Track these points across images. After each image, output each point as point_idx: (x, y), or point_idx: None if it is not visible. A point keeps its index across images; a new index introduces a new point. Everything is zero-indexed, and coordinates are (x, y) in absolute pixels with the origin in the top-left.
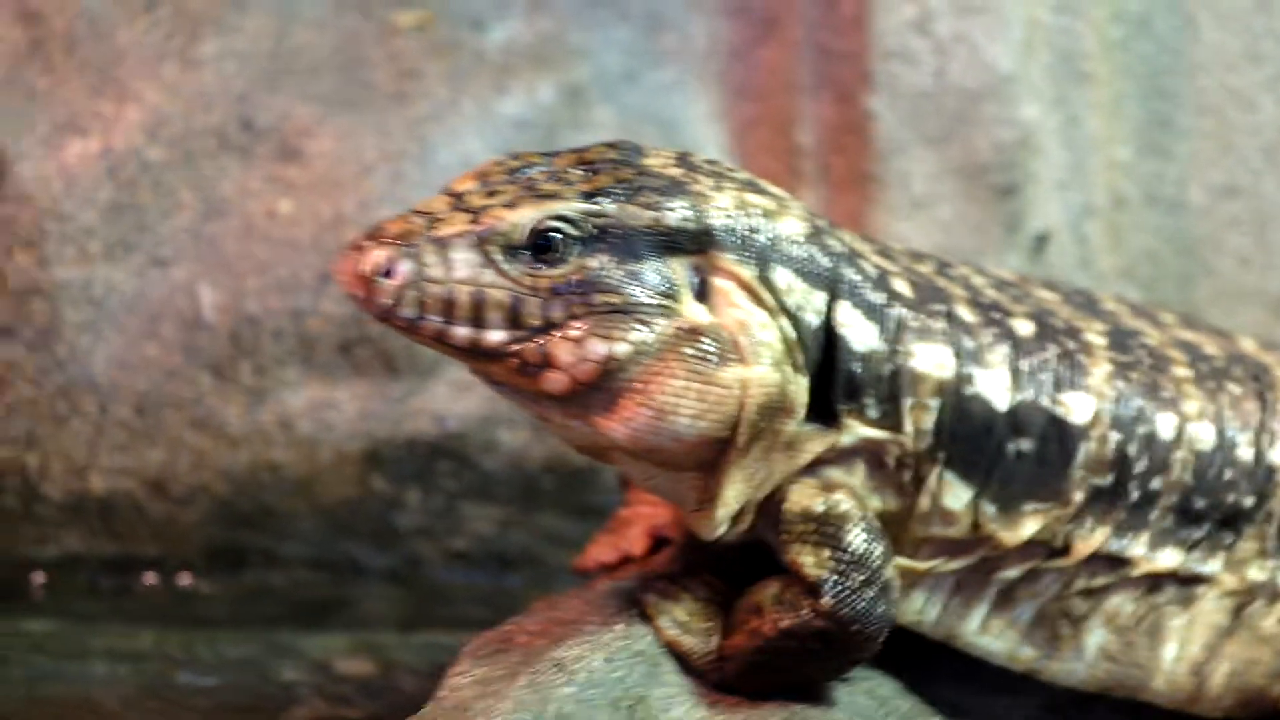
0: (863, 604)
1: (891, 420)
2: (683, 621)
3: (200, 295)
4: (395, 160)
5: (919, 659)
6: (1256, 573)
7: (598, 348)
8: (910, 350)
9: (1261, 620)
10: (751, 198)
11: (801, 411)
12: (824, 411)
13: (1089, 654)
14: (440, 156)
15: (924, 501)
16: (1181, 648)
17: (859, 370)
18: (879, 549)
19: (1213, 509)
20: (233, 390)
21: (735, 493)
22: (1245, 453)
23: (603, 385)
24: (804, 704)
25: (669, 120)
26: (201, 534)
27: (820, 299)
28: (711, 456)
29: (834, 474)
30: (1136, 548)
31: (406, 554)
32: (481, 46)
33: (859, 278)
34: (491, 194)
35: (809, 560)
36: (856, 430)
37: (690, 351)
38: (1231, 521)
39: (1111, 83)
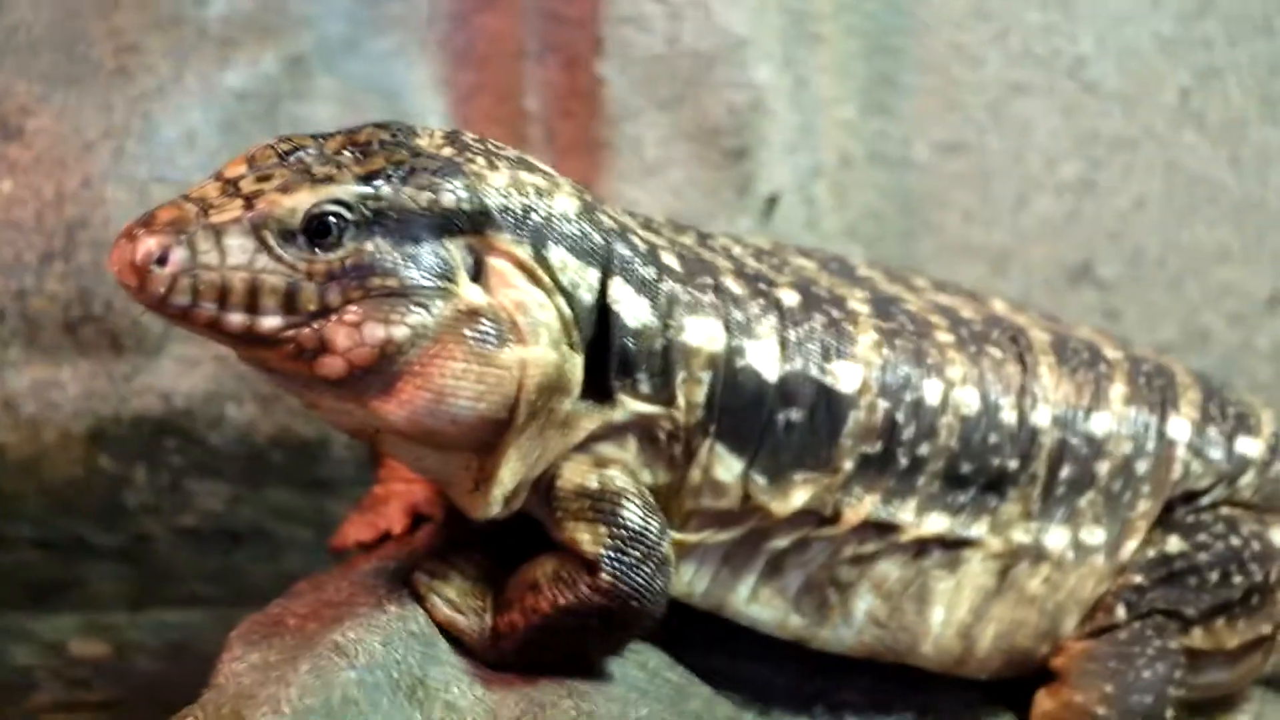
0: (641, 579)
1: (664, 395)
2: (454, 601)
3: None
4: (118, 136)
5: (684, 628)
6: (1021, 535)
7: (375, 331)
8: (682, 324)
9: (1027, 581)
10: (525, 176)
11: (578, 390)
12: (598, 388)
13: (857, 620)
14: (164, 132)
15: (695, 474)
16: (949, 611)
17: (632, 346)
18: (655, 523)
19: (979, 473)
20: None
21: (511, 472)
22: (1009, 416)
23: (380, 369)
24: (580, 679)
25: (391, 89)
26: None
27: (594, 276)
28: (488, 437)
29: (607, 449)
30: (905, 514)
31: (134, 532)
32: (203, 19)
33: (630, 253)
34: (264, 178)
35: (586, 537)
36: (630, 406)
37: (469, 333)
38: (996, 485)
39: (840, 43)
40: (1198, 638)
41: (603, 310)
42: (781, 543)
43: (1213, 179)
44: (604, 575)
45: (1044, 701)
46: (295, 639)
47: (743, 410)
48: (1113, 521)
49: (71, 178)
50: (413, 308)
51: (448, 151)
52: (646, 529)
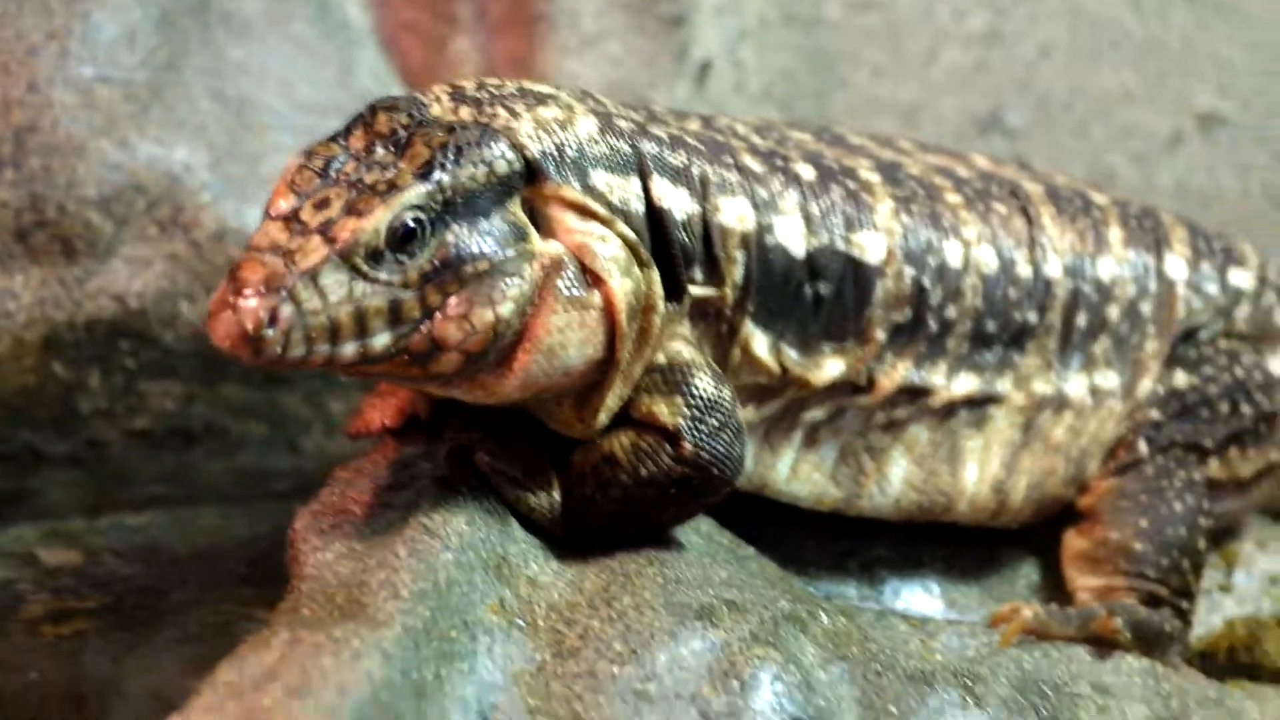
0: (721, 446)
1: (715, 277)
2: (520, 479)
3: None
4: (60, 39)
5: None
6: (1042, 385)
7: (484, 316)
8: (717, 205)
9: (1051, 430)
10: (543, 113)
11: (662, 303)
12: (671, 288)
13: (893, 487)
14: (105, 32)
15: (735, 352)
16: (981, 469)
17: (685, 238)
18: (727, 392)
19: (1002, 330)
20: None
21: (617, 396)
22: (1024, 270)
23: (492, 349)
24: (655, 549)
25: None
26: None
27: (636, 184)
28: (595, 376)
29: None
30: (936, 377)
31: (88, 437)
32: None
33: (657, 148)
34: (322, 204)
35: (663, 409)
36: (692, 293)
37: (560, 285)
38: (1018, 339)
39: None
40: (1214, 468)
41: (653, 213)
42: (818, 414)
43: (1116, 22)
44: (686, 444)
45: (1076, 541)
46: (373, 525)
47: (774, 286)
48: (1124, 364)
49: (16, 84)
50: (508, 281)
51: (465, 113)
52: (720, 396)
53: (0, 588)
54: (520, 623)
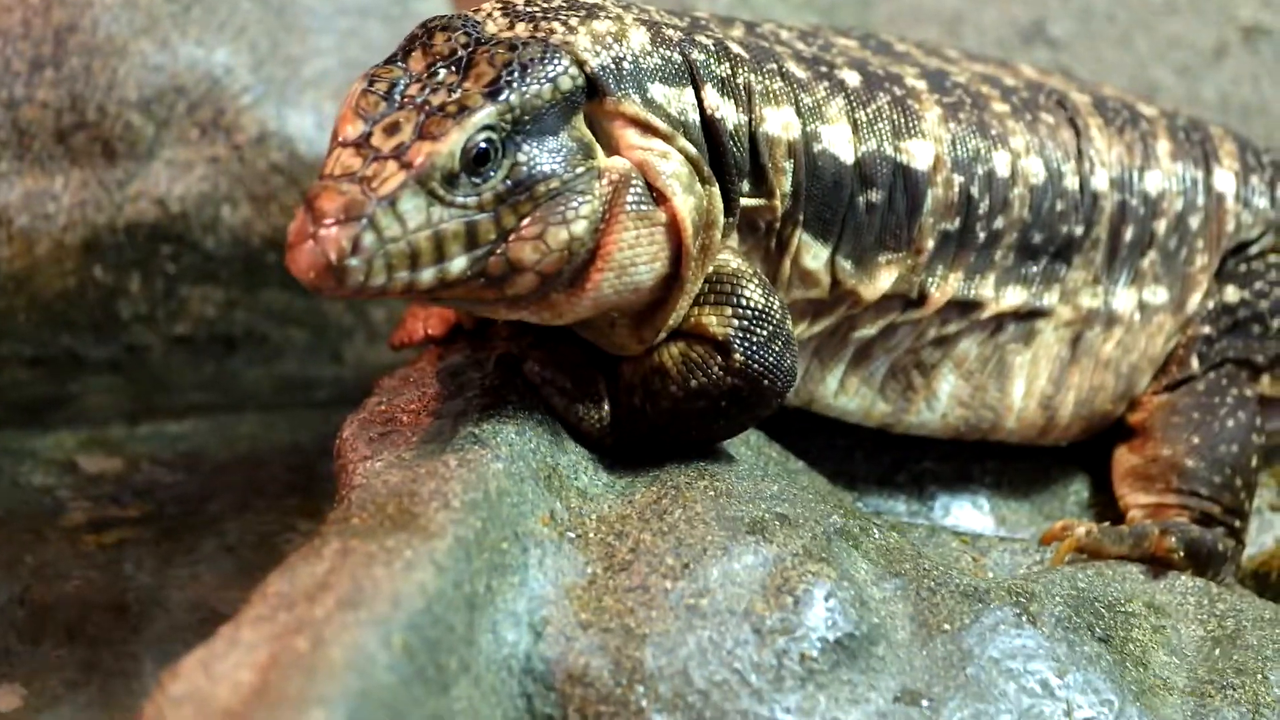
0: (772, 357)
1: (764, 188)
2: (570, 390)
3: None
4: None
5: None
6: (1089, 300)
7: (559, 235)
8: (763, 115)
9: (1100, 346)
10: (597, 26)
11: (722, 217)
12: (727, 200)
13: (941, 402)
14: None
15: (786, 266)
16: (1029, 384)
17: (734, 148)
18: (776, 302)
19: (1049, 242)
20: None
21: (679, 313)
22: (1071, 182)
23: (566, 268)
24: (706, 461)
25: None
26: None
27: (690, 95)
28: (661, 294)
29: None
30: (985, 289)
31: (128, 342)
32: None
33: (705, 56)
34: (392, 128)
35: (712, 319)
36: (742, 204)
37: (629, 200)
38: (1064, 252)
39: None
40: (1267, 384)
41: (707, 123)
42: (869, 330)
43: None
44: (736, 355)
45: (1127, 458)
46: (421, 433)
47: (824, 195)
48: (1174, 278)
49: None
50: (579, 198)
51: (521, 29)
52: (770, 307)
53: (41, 495)
54: (571, 535)
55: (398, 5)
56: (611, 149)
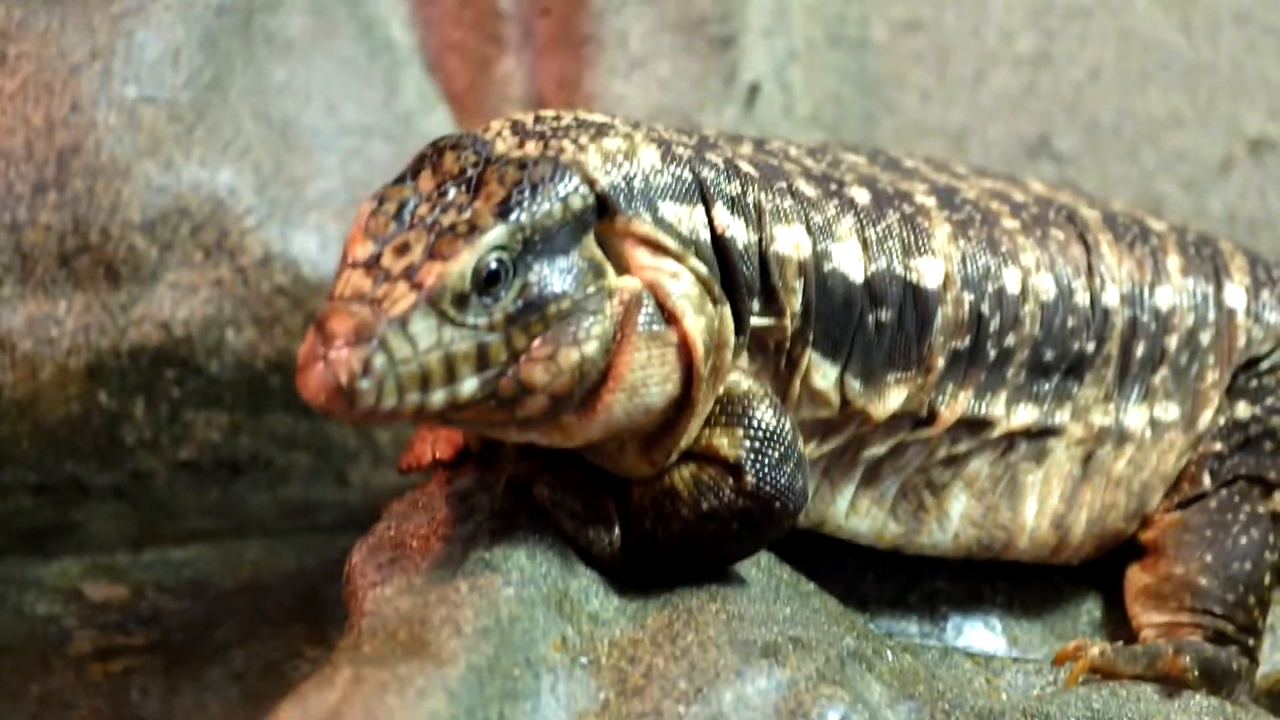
0: (784, 479)
1: (775, 307)
2: (580, 513)
3: None
4: (103, 57)
5: None
6: (1101, 417)
7: (570, 356)
8: (773, 234)
9: (1112, 464)
10: (607, 144)
11: (733, 337)
12: (738, 320)
13: (953, 522)
14: (148, 51)
15: (796, 384)
16: (1041, 503)
17: (745, 268)
18: (788, 423)
19: (1060, 359)
20: None
21: (690, 435)
22: (1082, 298)
23: (577, 390)
24: (717, 584)
25: None
26: None
27: (700, 214)
28: (672, 416)
29: None
30: (996, 408)
31: (132, 469)
32: None
33: (714, 174)
34: (402, 249)
35: (724, 441)
36: (753, 324)
37: (640, 320)
38: (1075, 369)
39: None
40: (1278, 501)
41: (717, 242)
42: (879, 449)
43: (1165, 44)
44: (748, 477)
45: (1139, 577)
46: (432, 559)
47: (834, 314)
48: (1185, 395)
49: (60, 103)
50: (591, 318)
51: (532, 147)
52: (781, 428)
53: (46, 623)
54: (583, 660)
55: (401, 124)
56: (622, 268)
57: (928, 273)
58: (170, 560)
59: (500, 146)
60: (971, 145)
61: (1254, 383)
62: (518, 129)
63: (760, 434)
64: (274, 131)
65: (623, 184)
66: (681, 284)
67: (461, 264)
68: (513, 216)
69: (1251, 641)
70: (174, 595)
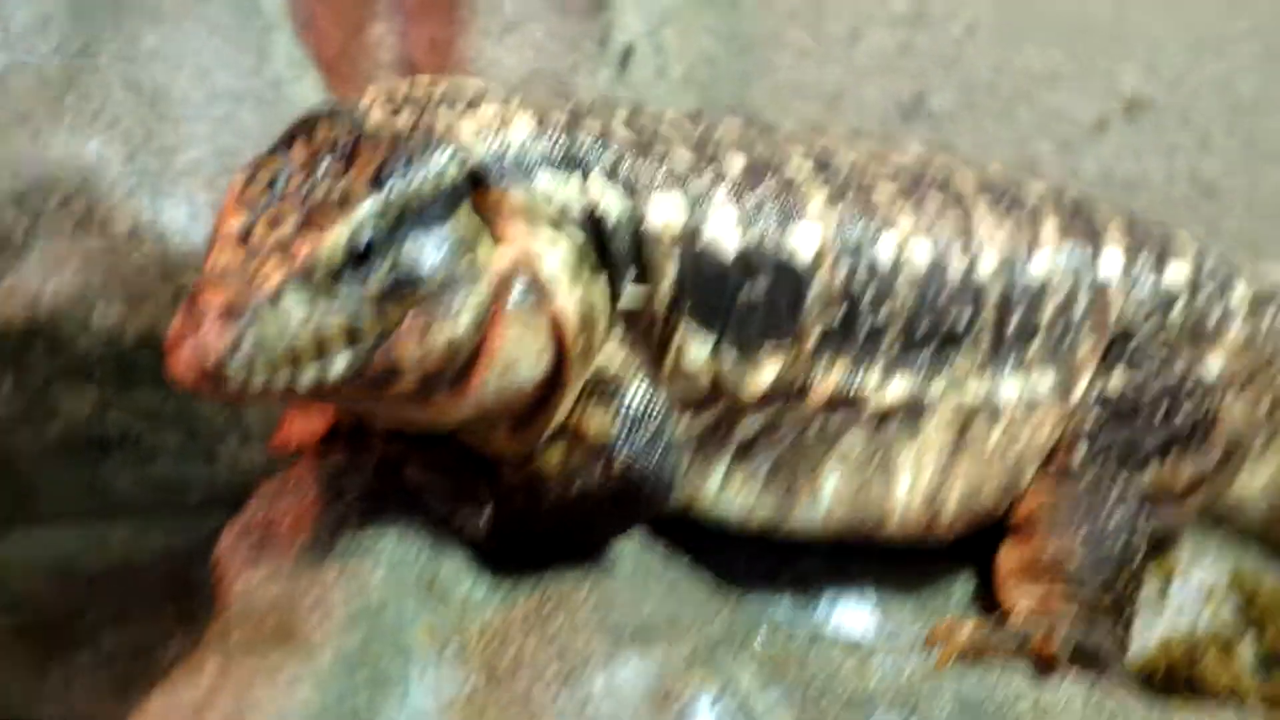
0: (654, 461)
1: (647, 278)
2: (449, 494)
3: None
4: None
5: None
6: (975, 390)
7: (442, 332)
8: (649, 203)
9: (986, 437)
10: (481, 114)
11: (607, 310)
12: (613, 291)
13: (825, 500)
14: (18, 18)
15: (669, 358)
16: (915, 478)
17: (620, 238)
18: (659, 403)
19: (934, 330)
20: None
21: (564, 411)
22: (957, 266)
23: (449, 367)
24: (588, 567)
25: None
26: None
27: (577, 183)
28: (545, 393)
29: None
30: (870, 382)
31: None
32: None
33: (590, 142)
34: (276, 221)
35: (594, 422)
36: (625, 296)
37: (513, 296)
38: (949, 341)
39: None
40: (1151, 476)
41: (591, 212)
42: (753, 425)
43: (1043, 1)
44: (618, 459)
45: (1012, 554)
46: (302, 543)
47: (708, 286)
48: (1060, 365)
49: None
50: (464, 294)
51: (404, 119)
52: (652, 409)
53: None
54: (453, 646)
55: (271, 90)
56: (499, 240)
57: (803, 243)
58: (37, 540)
59: (374, 117)
60: (847, 105)
61: (1129, 353)
62: (391, 99)
63: (630, 415)
64: (144, 99)
65: (498, 154)
66: (558, 254)
67: (334, 236)
68: (386, 189)
69: (1123, 620)
70: (43, 576)
